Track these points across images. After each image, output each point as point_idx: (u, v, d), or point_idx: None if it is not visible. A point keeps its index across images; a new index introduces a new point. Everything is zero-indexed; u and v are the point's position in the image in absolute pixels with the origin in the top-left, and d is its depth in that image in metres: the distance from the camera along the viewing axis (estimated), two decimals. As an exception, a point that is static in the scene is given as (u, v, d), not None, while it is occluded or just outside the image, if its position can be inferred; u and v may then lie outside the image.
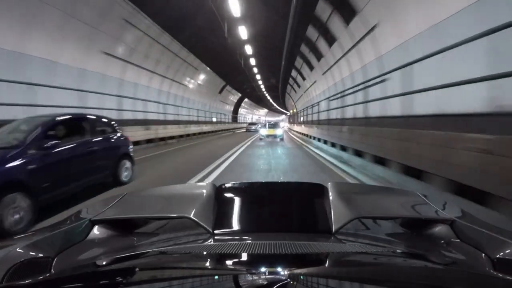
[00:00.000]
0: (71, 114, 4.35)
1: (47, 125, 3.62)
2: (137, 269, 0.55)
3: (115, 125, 5.09)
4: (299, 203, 0.90)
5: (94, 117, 4.67)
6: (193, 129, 18.64)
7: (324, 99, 12.52)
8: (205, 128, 21.76)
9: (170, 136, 14.36)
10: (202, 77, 20.28)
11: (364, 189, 1.37)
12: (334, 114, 10.87)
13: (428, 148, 3.94)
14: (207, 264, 0.58)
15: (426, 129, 4.15)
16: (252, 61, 19.92)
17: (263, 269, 0.50)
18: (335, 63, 10.29)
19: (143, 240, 0.77)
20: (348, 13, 7.46)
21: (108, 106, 9.30)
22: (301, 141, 14.90)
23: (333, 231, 0.69)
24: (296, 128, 22.60)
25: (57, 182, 3.47)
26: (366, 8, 6.55)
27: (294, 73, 19.43)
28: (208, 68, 20.08)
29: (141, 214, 0.87)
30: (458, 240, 0.69)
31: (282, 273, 0.49)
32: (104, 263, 0.60)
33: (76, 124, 4.17)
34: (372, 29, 6.59)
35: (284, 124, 37.49)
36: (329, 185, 0.87)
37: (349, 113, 9.11)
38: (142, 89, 12.47)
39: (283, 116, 65.59)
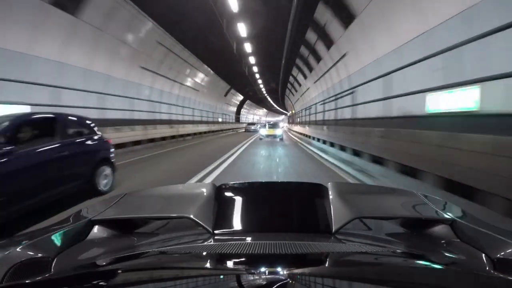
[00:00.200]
0: (35, 113, 3.75)
1: None
2: (137, 269, 0.55)
3: (93, 125, 4.39)
4: (299, 203, 0.89)
5: (65, 117, 3.94)
6: (204, 128, 21.27)
7: (315, 104, 15.08)
8: (213, 127, 24.48)
9: (187, 133, 16.96)
10: (211, 82, 22.83)
11: (364, 189, 1.37)
12: (321, 116, 13.39)
13: (385, 141, 5.73)
14: (207, 264, 0.57)
15: (394, 128, 5.77)
16: (255, 69, 22.48)
17: (263, 269, 0.50)
18: (323, 74, 12.80)
19: (143, 240, 0.77)
20: (327, 42, 10.01)
21: (143, 109, 11.86)
22: (296, 138, 17.47)
23: (333, 231, 0.69)
24: (294, 128, 25.17)
25: (13, 196, 2.85)
26: (340, 40, 9.06)
27: (291, 79, 21.97)
28: (216, 75, 22.64)
29: (141, 214, 0.86)
30: (458, 240, 0.69)
31: (282, 273, 0.48)
32: (104, 263, 0.59)
33: (41, 126, 3.55)
34: (344, 56, 9.13)
35: (284, 124, 38.76)
36: (329, 185, 0.87)
37: (332, 115, 11.63)
38: (166, 95, 15.03)
39: (283, 117, 67.76)
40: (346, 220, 0.70)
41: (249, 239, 0.69)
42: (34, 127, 3.43)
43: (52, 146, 3.46)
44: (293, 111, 32.69)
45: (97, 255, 0.67)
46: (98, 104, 9.32)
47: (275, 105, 56.34)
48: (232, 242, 0.64)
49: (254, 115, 61.46)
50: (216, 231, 0.70)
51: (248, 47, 15.78)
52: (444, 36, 4.34)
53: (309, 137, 15.20)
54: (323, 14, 8.96)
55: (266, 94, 40.48)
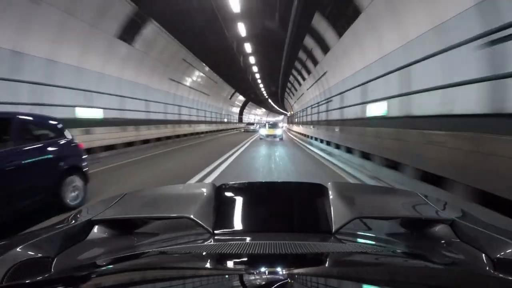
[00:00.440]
0: None
1: None
2: (137, 269, 0.55)
3: (61, 127, 3.73)
4: (299, 203, 0.88)
5: (21, 117, 3.24)
6: (214, 127, 24.20)
7: (309, 106, 17.88)
8: (221, 127, 27.47)
9: (201, 131, 19.87)
10: (218, 87, 25.69)
11: (364, 189, 1.37)
12: (314, 117, 16.20)
13: (371, 139, 6.45)
14: (207, 264, 0.57)
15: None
16: (257, 75, 25.36)
17: (263, 269, 0.49)
18: (311, 85, 15.61)
19: (143, 240, 0.76)
20: (314, 61, 12.84)
21: (173, 111, 14.72)
22: (292, 136, 20.33)
23: (333, 231, 0.68)
24: (293, 128, 27.99)
25: None
26: (322, 61, 11.86)
27: (289, 84, 24.83)
28: (223, 81, 25.49)
29: (141, 214, 0.86)
30: (458, 240, 0.69)
31: (282, 273, 0.48)
32: (104, 263, 0.59)
33: None
34: (325, 73, 11.96)
35: (283, 124, 39.89)
36: (329, 185, 0.87)
37: (323, 117, 14.44)
38: (187, 100, 17.94)
39: (282, 117, 70.40)
40: (346, 220, 0.69)
41: (249, 239, 0.69)
42: None
43: (2, 153, 2.78)
44: (292, 112, 35.47)
45: (97, 255, 0.66)
46: (145, 108, 12.22)
47: (275, 106, 59.02)
48: (232, 242, 0.64)
49: (255, 115, 64.37)
50: (216, 231, 0.70)
51: (252, 59, 18.72)
52: (392, 62, 5.93)
53: (304, 135, 18.00)
54: (309, 41, 11.79)
55: (266, 96, 43.29)
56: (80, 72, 8.37)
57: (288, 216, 0.83)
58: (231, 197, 0.92)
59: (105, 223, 0.77)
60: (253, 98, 44.10)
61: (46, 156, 3.32)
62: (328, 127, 10.74)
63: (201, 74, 19.26)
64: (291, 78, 21.81)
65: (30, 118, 3.49)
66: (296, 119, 28.01)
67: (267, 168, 6.64)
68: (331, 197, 0.80)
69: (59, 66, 7.54)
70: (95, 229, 0.75)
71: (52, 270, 0.56)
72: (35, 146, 3.27)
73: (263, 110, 68.98)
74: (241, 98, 39.70)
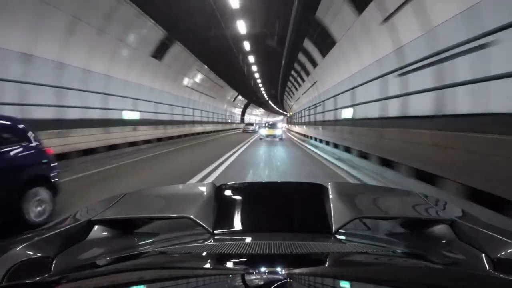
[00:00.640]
0: None
1: None
2: (137, 269, 0.55)
3: (27, 130, 3.13)
4: (299, 203, 0.88)
5: None
6: (220, 127, 26.82)
7: (303, 109, 20.45)
8: (226, 127, 30.13)
9: (210, 130, 22.48)
10: (224, 90, 28.28)
11: (364, 189, 1.37)
12: (309, 118, 18.77)
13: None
14: (207, 264, 0.57)
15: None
16: (258, 81, 27.97)
17: (263, 269, 0.49)
18: (309, 88, 18.16)
19: (143, 240, 0.76)
20: (306, 72, 15.41)
21: (189, 113, 17.30)
22: (289, 134, 22.89)
23: (333, 231, 0.68)
24: (293, 128, 30.52)
25: None
26: (314, 72, 14.39)
27: (287, 88, 27.40)
28: (228, 85, 28.08)
29: (141, 214, 0.85)
30: (458, 240, 0.68)
31: (282, 273, 0.47)
32: (104, 263, 0.59)
33: None
34: (315, 83, 14.52)
35: (283, 125, 41.38)
36: (329, 185, 0.87)
37: (313, 118, 16.98)
38: (198, 104, 20.54)
39: (282, 117, 72.85)
40: (346, 220, 0.69)
41: (249, 239, 0.68)
42: None
43: None
44: (291, 113, 38.00)
45: (97, 255, 0.66)
46: (170, 111, 14.80)
47: (275, 107, 61.54)
48: (232, 242, 0.64)
49: (256, 116, 67.00)
50: (216, 231, 0.69)
51: (254, 68, 21.29)
52: (369, 75, 7.36)
53: (298, 132, 20.56)
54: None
55: (267, 99, 45.87)
56: (126, 84, 10.92)
57: (288, 216, 0.82)
58: (231, 197, 0.92)
59: (105, 223, 0.76)
60: (255, 100, 46.76)
61: (2, 164, 2.70)
62: (315, 127, 13.32)
63: (209, 80, 21.85)
64: (289, 84, 24.41)
65: None
66: (294, 120, 30.67)
67: (268, 149, 9.22)
68: (331, 197, 0.80)
69: (112, 80, 10.06)
70: (95, 229, 0.74)
71: (52, 270, 0.56)
72: None
73: (264, 111, 71.61)
74: (243, 100, 42.34)
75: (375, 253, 0.64)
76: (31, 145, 3.10)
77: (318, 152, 9.87)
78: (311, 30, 10.93)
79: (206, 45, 14.50)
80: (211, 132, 22.94)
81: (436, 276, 0.51)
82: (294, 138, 17.49)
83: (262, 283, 0.45)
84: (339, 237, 0.69)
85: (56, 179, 3.25)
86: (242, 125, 40.58)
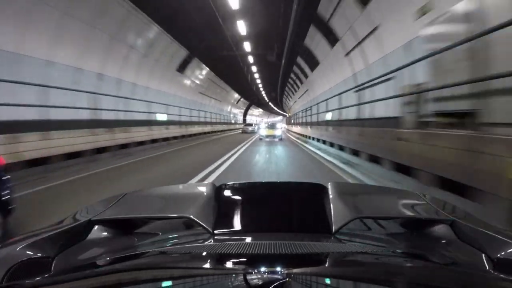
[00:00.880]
0: None
1: None
2: (137, 269, 0.55)
3: None
4: (299, 203, 0.89)
5: None
6: (225, 127, 29.94)
7: (299, 111, 23.54)
8: (230, 127, 33.24)
9: (218, 130, 25.63)
10: (228, 94, 31.43)
11: (364, 189, 1.38)
12: (301, 120, 21.86)
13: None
14: (207, 264, 0.57)
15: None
16: (260, 85, 31.12)
17: (263, 269, 0.49)
18: (303, 93, 21.24)
19: (143, 240, 0.76)
20: (299, 83, 18.53)
21: (201, 115, 20.41)
22: (287, 134, 25.97)
23: (333, 231, 0.68)
24: (292, 128, 33.55)
25: None
26: (306, 81, 17.47)
27: (285, 92, 30.50)
28: (232, 89, 31.22)
29: (141, 214, 0.86)
30: (458, 240, 0.68)
31: (282, 273, 0.48)
32: (104, 263, 0.59)
33: None
34: (307, 90, 17.63)
35: (283, 125, 43.25)
36: (329, 185, 0.87)
37: (306, 119, 20.07)
38: (208, 106, 23.72)
39: (281, 117, 75.91)
40: (346, 220, 0.69)
41: (249, 239, 0.68)
42: None
43: None
44: (290, 114, 41.09)
45: (97, 255, 0.66)
46: (189, 114, 17.88)
47: (275, 108, 64.77)
48: (232, 242, 0.64)
49: (257, 116, 70.15)
50: (216, 231, 0.69)
51: (256, 75, 24.43)
52: (335, 92, 12.40)
53: (293, 131, 23.60)
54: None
55: (267, 100, 49.04)
56: (159, 93, 14.03)
57: (288, 216, 0.83)
58: (231, 197, 0.93)
59: (105, 223, 0.76)
60: (256, 102, 49.93)
61: None
62: (307, 127, 16.43)
63: (218, 86, 25.01)
64: (286, 89, 27.52)
65: None
66: (292, 120, 33.77)
67: (268, 143, 12.31)
68: (331, 197, 0.80)
69: (150, 90, 13.14)
70: (95, 229, 0.74)
71: (52, 270, 0.56)
72: None
73: (265, 112, 74.77)
74: (245, 102, 45.49)
75: (375, 253, 0.63)
76: None
77: (306, 145, 12.97)
78: (301, 51, 14.07)
79: (218, 60, 17.65)
80: (218, 131, 26.07)
81: (436, 276, 0.50)
82: (291, 137, 20.57)
83: (262, 283, 0.44)
84: (339, 237, 0.68)
85: (8, 196, 2.12)
86: (243, 126, 43.39)
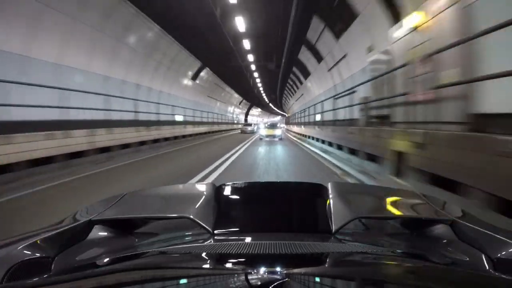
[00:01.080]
0: None
1: None
2: (137, 269, 0.55)
3: None
4: (299, 203, 0.89)
5: None
6: (229, 127, 32.71)
7: (296, 112, 26.24)
8: (233, 126, 35.92)
9: (224, 129, 28.41)
10: (231, 96, 34.19)
11: (364, 189, 1.38)
12: (298, 120, 24.55)
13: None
14: (207, 264, 0.57)
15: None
16: (261, 89, 33.88)
17: (263, 269, 0.49)
18: (299, 97, 23.91)
19: (143, 240, 0.77)
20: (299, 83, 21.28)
21: (210, 116, 23.14)
22: (286, 133, 28.67)
23: (333, 231, 0.68)
24: (291, 128, 36.27)
25: None
26: (301, 87, 20.16)
27: (284, 95, 33.22)
28: (235, 92, 33.98)
29: (141, 214, 0.86)
30: (458, 240, 0.68)
31: (282, 273, 0.48)
32: (104, 263, 0.59)
33: None
34: (302, 95, 20.35)
35: (282, 125, 46.11)
36: (329, 185, 0.86)
37: (302, 120, 22.74)
38: (214, 108, 26.47)
39: (279, 117, 78.56)
40: (346, 220, 0.69)
41: (249, 239, 0.68)
42: None
43: None
44: (289, 114, 43.80)
45: (97, 255, 0.66)
46: (200, 115, 20.58)
47: (275, 109, 67.52)
48: (232, 242, 0.64)
49: (258, 116, 72.96)
50: (216, 231, 0.69)
51: (257, 79, 27.19)
52: (321, 98, 15.12)
53: (291, 130, 26.24)
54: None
55: (268, 102, 51.83)
56: (177, 97, 16.73)
57: (288, 216, 0.83)
58: (231, 197, 0.93)
59: (105, 223, 0.76)
60: (257, 103, 52.76)
61: None
62: (301, 126, 19.14)
63: (222, 88, 27.77)
64: (285, 92, 30.24)
65: None
66: (291, 121, 36.54)
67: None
68: (331, 197, 0.79)
69: (172, 96, 15.82)
70: (95, 229, 0.74)
71: (52, 270, 0.56)
72: None
73: (265, 112, 77.51)
74: (247, 103, 48.31)
75: (375, 253, 0.63)
76: None
77: (299, 141, 15.66)
78: (295, 62, 16.79)
79: (225, 69, 20.38)
80: (223, 130, 28.81)
81: (436, 276, 0.50)
82: (289, 135, 23.26)
83: (262, 283, 0.44)
84: (339, 237, 0.68)
85: None
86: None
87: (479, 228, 0.67)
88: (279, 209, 0.86)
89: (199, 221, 0.69)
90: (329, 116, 11.90)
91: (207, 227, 0.68)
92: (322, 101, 12.05)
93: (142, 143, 11.16)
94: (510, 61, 2.63)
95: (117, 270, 0.54)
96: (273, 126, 17.75)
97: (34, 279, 0.51)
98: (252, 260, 0.56)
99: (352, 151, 7.33)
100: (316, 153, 9.70)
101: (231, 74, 23.20)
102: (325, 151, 9.73)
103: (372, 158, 6.04)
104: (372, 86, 7.40)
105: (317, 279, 0.48)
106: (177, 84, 16.43)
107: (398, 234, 0.83)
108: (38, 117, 6.69)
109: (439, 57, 4.01)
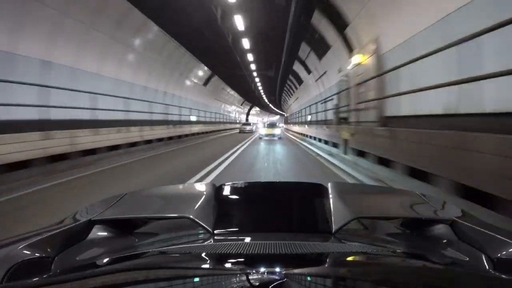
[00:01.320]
0: None
1: None
2: (137, 269, 0.55)
3: None
4: (299, 203, 0.89)
5: None
6: (233, 126, 36.03)
7: (294, 113, 29.49)
8: (236, 126, 39.20)
9: (228, 128, 31.72)
10: (233, 98, 37.47)
11: (364, 189, 1.39)
12: (295, 120, 27.82)
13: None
14: (207, 264, 0.57)
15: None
16: (262, 91, 37.13)
17: (263, 269, 0.49)
18: (295, 100, 27.14)
19: (143, 240, 0.77)
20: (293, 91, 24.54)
21: (217, 117, 26.39)
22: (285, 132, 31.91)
23: (333, 231, 0.68)
24: (290, 127, 39.53)
25: None
26: (297, 91, 23.38)
27: (283, 97, 36.44)
28: (237, 93, 37.25)
29: (141, 214, 0.86)
30: (458, 240, 0.68)
31: (282, 273, 0.47)
32: (104, 263, 0.59)
33: None
34: (297, 98, 23.60)
35: (281, 124, 47.34)
36: (329, 185, 0.86)
37: (298, 120, 25.96)
38: (219, 109, 29.76)
39: (278, 116, 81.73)
40: (346, 220, 0.69)
41: (249, 239, 0.68)
42: None
43: None
44: (287, 114, 47.02)
45: (97, 255, 0.66)
46: (209, 115, 23.86)
47: (275, 109, 70.77)
48: (232, 242, 0.64)
49: (258, 116, 76.29)
50: (216, 231, 0.69)
51: (258, 82, 30.46)
52: (312, 101, 18.34)
53: (291, 130, 29.44)
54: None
55: (268, 102, 55.13)
56: (194, 102, 19.96)
57: (288, 216, 0.83)
58: (231, 197, 0.93)
59: (105, 223, 0.76)
60: (257, 104, 56.08)
61: None
62: (295, 125, 22.45)
63: (225, 91, 31.05)
64: (284, 94, 33.48)
65: None
66: (289, 120, 39.85)
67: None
68: (331, 197, 0.79)
69: (188, 100, 19.04)
70: (95, 229, 0.74)
71: (52, 270, 0.56)
72: None
73: (265, 112, 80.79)
74: (248, 104, 51.62)
75: (375, 253, 0.63)
76: None
77: (293, 137, 18.91)
78: (291, 71, 20.07)
79: (230, 75, 23.65)
80: (227, 129, 32.13)
81: (436, 276, 0.50)
82: (287, 134, 26.49)
83: (262, 283, 0.44)
84: (339, 237, 0.68)
85: None
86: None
87: (479, 228, 0.67)
88: (279, 209, 0.85)
89: (199, 221, 0.68)
90: (314, 117, 15.16)
91: (207, 227, 0.68)
92: (310, 105, 15.29)
93: (170, 138, 14.51)
94: (398, 89, 5.83)
95: (117, 270, 0.54)
96: (272, 125, 18.08)
97: (34, 279, 0.51)
98: (252, 260, 0.56)
99: (326, 142, 10.59)
100: (302, 144, 12.95)
101: (235, 80, 26.43)
102: (310, 144, 12.99)
103: (335, 145, 9.31)
104: (339, 96, 10.67)
105: (317, 279, 0.48)
106: (190, 89, 19.70)
107: (398, 234, 0.82)
108: (86, 116, 8.80)
109: (368, 83, 7.24)
